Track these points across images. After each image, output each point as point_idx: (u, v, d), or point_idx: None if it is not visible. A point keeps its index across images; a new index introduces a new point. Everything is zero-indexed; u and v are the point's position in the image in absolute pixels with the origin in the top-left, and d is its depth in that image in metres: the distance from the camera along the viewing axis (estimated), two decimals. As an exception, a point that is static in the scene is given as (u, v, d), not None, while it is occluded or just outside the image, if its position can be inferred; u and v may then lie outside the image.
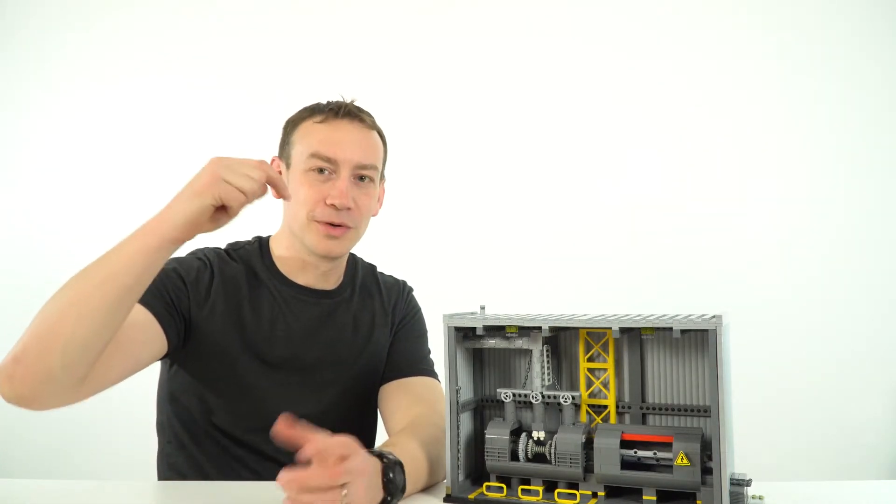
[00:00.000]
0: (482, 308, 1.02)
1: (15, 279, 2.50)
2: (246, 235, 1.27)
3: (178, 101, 2.54)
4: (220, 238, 1.27)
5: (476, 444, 1.02)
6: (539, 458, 0.95)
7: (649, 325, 0.86)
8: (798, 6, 2.39)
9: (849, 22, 2.37)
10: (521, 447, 0.95)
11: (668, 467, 0.88)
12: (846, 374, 2.32)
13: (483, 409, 1.04)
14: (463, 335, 0.99)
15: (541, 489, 0.93)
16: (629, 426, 0.94)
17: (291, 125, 1.20)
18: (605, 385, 0.97)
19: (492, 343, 0.98)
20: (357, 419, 1.25)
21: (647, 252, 2.39)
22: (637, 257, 2.39)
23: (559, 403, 0.96)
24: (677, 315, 0.91)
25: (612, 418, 0.96)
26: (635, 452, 0.89)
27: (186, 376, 1.16)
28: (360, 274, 1.31)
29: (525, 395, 0.97)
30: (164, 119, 2.53)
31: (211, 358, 1.14)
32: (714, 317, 0.83)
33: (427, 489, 0.98)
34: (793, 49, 2.39)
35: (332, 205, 1.12)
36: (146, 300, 1.05)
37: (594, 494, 0.92)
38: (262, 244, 1.25)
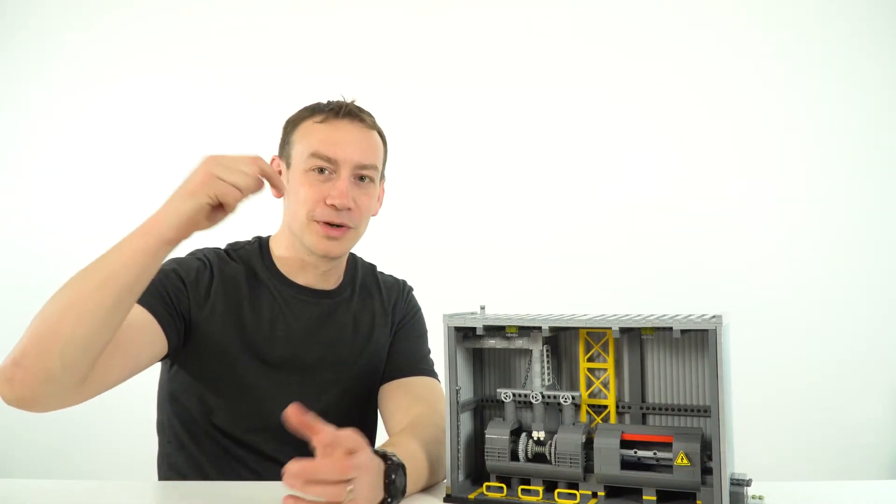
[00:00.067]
0: (482, 308, 1.02)
1: (15, 279, 2.50)
2: (246, 235, 1.27)
3: (178, 101, 2.54)
4: (220, 238, 1.27)
5: (476, 444, 1.02)
6: (539, 458, 0.95)
7: (649, 325, 0.86)
8: (798, 6, 2.39)
9: (849, 22, 2.37)
10: (521, 447, 0.95)
11: (668, 467, 0.88)
12: (846, 374, 2.32)
13: (483, 409, 1.04)
14: (463, 335, 0.98)
15: (541, 489, 0.93)
16: (629, 426, 0.94)
17: (291, 125, 1.20)
18: (605, 385, 0.97)
19: (492, 343, 0.98)
20: (357, 419, 1.25)
21: (647, 252, 2.39)
22: (637, 257, 2.39)
23: (559, 403, 0.96)
24: (677, 315, 0.91)
25: (612, 418, 0.96)
26: (635, 452, 0.89)
27: (186, 376, 1.16)
28: (360, 274, 1.31)
29: (525, 395, 0.97)
30: (165, 119, 2.53)
31: (211, 358, 1.14)
32: (714, 317, 0.83)
33: (427, 489, 0.98)
34: (793, 49, 2.39)
35: (333, 205, 1.12)
36: (146, 301, 1.05)
37: (594, 494, 0.92)
38: (261, 244, 1.25)
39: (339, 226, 1.14)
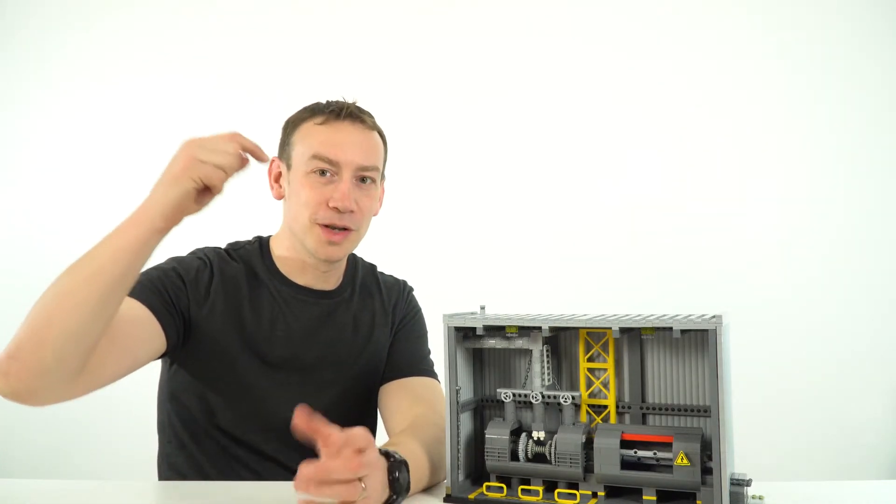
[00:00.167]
0: (482, 308, 1.02)
1: (15, 279, 2.50)
2: (246, 235, 1.28)
3: (178, 101, 2.54)
4: (220, 238, 1.27)
5: (476, 444, 1.02)
6: (539, 458, 0.95)
7: (649, 325, 0.86)
8: (798, 6, 2.39)
9: (849, 22, 2.38)
10: (521, 447, 0.95)
11: (668, 467, 0.88)
12: (846, 374, 2.32)
13: (483, 409, 1.04)
14: (463, 335, 0.98)
15: (541, 489, 0.93)
16: (629, 426, 0.94)
17: (291, 126, 1.20)
18: (605, 385, 0.97)
19: (492, 343, 0.98)
20: (357, 419, 1.24)
21: (647, 252, 2.39)
22: (637, 257, 2.39)
23: (559, 403, 0.96)
24: (677, 315, 0.91)
25: (612, 418, 0.96)
26: (635, 452, 0.89)
27: (186, 376, 1.16)
28: (360, 274, 1.31)
29: (525, 395, 0.97)
30: (164, 119, 2.53)
31: (211, 357, 1.14)
32: (714, 317, 0.83)
33: (427, 489, 0.98)
34: (793, 49, 2.39)
35: (335, 207, 1.12)
36: (144, 297, 1.05)
37: (594, 494, 0.92)
38: (262, 244, 1.24)
39: (341, 229, 1.14)
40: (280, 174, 1.20)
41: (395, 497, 0.86)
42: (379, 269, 1.35)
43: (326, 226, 1.13)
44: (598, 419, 0.97)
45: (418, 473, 0.94)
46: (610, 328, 0.88)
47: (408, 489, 0.89)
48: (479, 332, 0.96)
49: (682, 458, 0.86)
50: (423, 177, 2.44)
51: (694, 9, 2.43)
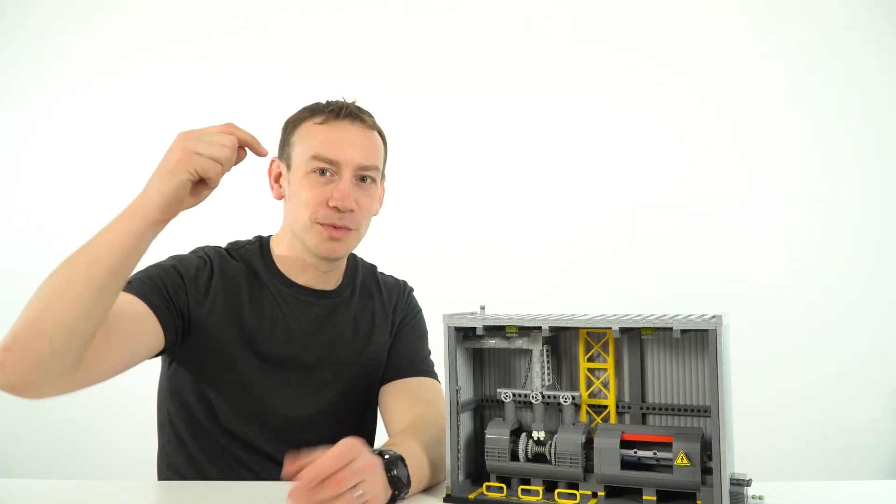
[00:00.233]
0: (482, 308, 1.02)
1: (15, 279, 2.50)
2: (246, 235, 1.28)
3: (178, 100, 2.53)
4: (221, 238, 1.27)
5: (476, 444, 1.02)
6: (539, 458, 0.95)
7: (649, 325, 0.86)
8: (798, 6, 2.39)
9: (849, 22, 2.37)
10: (521, 447, 0.95)
11: (668, 467, 0.88)
12: (846, 374, 2.32)
13: (483, 409, 1.04)
14: (463, 335, 0.98)
15: (541, 489, 0.93)
16: (629, 426, 0.94)
17: (291, 126, 1.20)
18: (605, 385, 0.97)
19: (492, 343, 0.98)
20: (357, 419, 1.25)
21: (647, 252, 2.39)
22: (637, 257, 2.39)
23: (559, 403, 0.96)
24: (677, 315, 0.91)
25: (612, 418, 0.96)
26: (635, 452, 0.89)
27: (186, 374, 1.16)
28: (361, 274, 1.31)
29: (525, 395, 0.97)
30: (165, 119, 2.53)
31: (210, 355, 1.14)
32: (714, 317, 0.83)
33: (427, 489, 0.98)
34: (793, 49, 2.39)
35: (335, 207, 1.12)
36: (143, 293, 1.05)
37: (594, 494, 0.92)
38: (262, 244, 1.25)
39: (341, 227, 1.14)
40: (280, 174, 1.21)
41: (397, 493, 0.86)
42: (379, 270, 1.35)
43: (327, 225, 1.13)
44: (598, 419, 0.97)
45: (418, 473, 0.93)
46: (610, 328, 0.88)
47: (409, 483, 0.89)
48: (479, 332, 0.96)
49: (682, 458, 0.86)
50: (424, 177, 2.44)
51: (694, 9, 2.43)
